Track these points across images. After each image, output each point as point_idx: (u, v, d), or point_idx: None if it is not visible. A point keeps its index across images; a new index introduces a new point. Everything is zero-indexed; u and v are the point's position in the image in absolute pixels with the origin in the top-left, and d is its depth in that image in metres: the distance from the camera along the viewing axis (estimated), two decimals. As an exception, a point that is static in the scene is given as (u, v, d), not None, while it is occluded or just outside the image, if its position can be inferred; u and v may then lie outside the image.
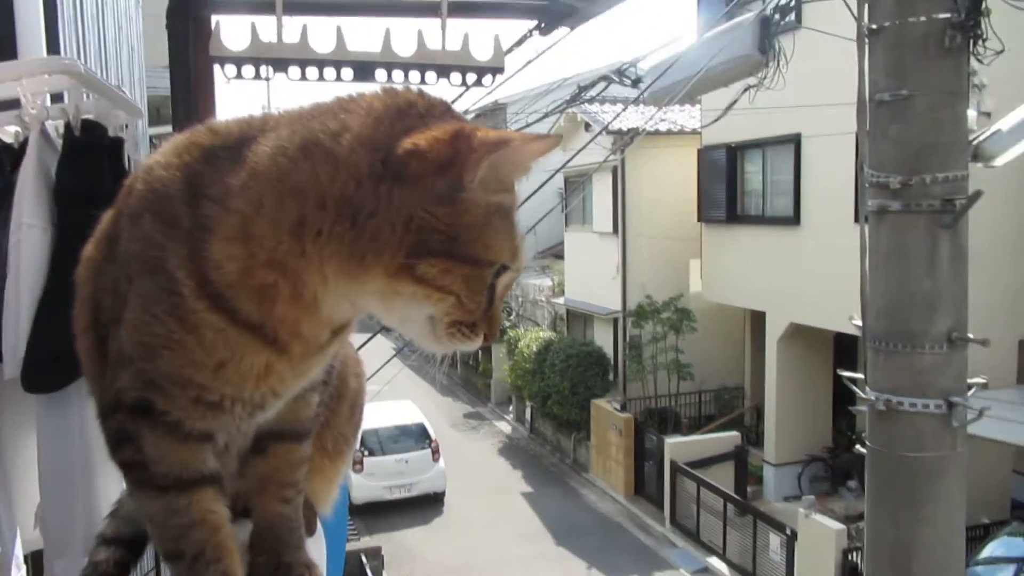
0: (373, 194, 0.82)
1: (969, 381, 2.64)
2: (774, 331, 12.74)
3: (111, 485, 1.81)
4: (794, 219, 12.14)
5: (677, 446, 12.49)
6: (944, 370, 2.60)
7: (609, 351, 15.67)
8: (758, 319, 13.72)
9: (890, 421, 2.67)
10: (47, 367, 1.74)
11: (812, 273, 11.43)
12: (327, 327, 0.92)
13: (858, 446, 2.96)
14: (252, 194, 0.84)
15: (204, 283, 0.86)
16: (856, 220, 10.11)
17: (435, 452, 13.43)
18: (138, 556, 1.23)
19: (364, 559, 8.94)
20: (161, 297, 0.87)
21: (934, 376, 2.59)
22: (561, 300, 17.64)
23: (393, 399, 13.28)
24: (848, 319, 2.88)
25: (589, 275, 16.29)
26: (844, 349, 12.70)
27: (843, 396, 13.03)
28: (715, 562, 11.17)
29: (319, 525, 1.20)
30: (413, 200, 0.82)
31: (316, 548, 1.12)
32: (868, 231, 2.78)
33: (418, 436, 13.54)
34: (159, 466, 0.91)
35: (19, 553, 1.83)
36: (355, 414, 1.23)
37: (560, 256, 18.43)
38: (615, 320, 15.64)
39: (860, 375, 2.75)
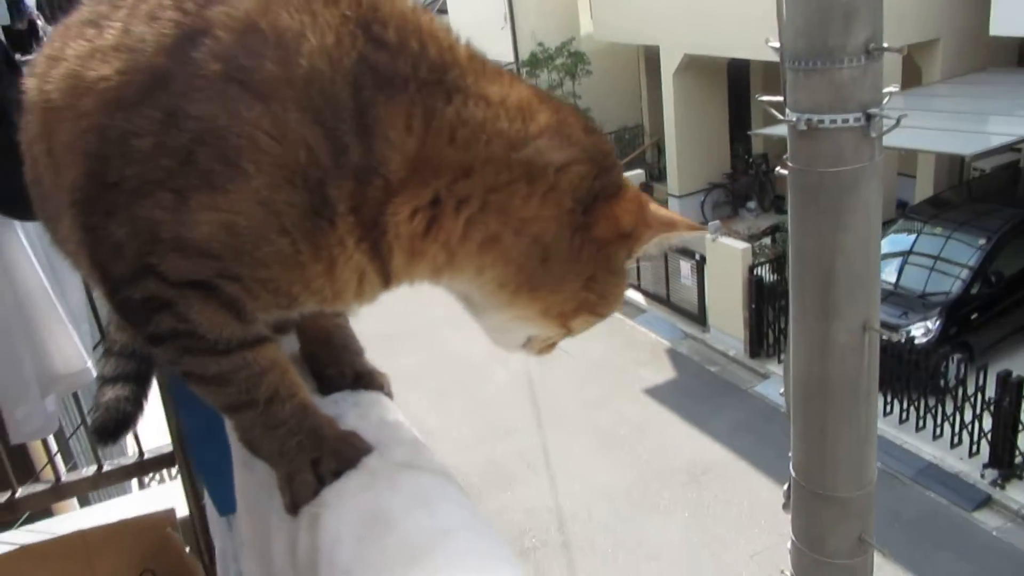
0: (567, 241, 0.83)
1: (884, 91, 2.69)
2: (669, 65, 12.69)
3: (55, 326, 1.73)
4: (683, -58, 11.71)
5: (585, 191, 12.74)
6: (862, 83, 2.62)
7: (507, 106, 15.40)
8: (652, 55, 13.60)
9: (811, 139, 2.72)
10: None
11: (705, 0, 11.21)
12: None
13: (780, 168, 3.03)
14: (462, 188, 0.79)
15: (371, 227, 0.78)
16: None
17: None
18: (146, 388, 1.19)
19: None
20: (302, 217, 0.77)
21: (852, 90, 2.62)
22: (451, 58, 16.97)
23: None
24: (766, 42, 2.84)
25: (476, 27, 15.52)
26: (737, 77, 12.81)
27: (739, 123, 13.34)
28: (631, 293, 11.87)
29: None
30: (597, 260, 0.85)
31: None
32: (783, -55, 2.67)
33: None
34: (216, 334, 0.83)
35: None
36: None
37: (443, 10, 17.50)
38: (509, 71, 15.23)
39: (779, 98, 2.76)
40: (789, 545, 3.42)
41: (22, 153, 0.94)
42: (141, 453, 2.05)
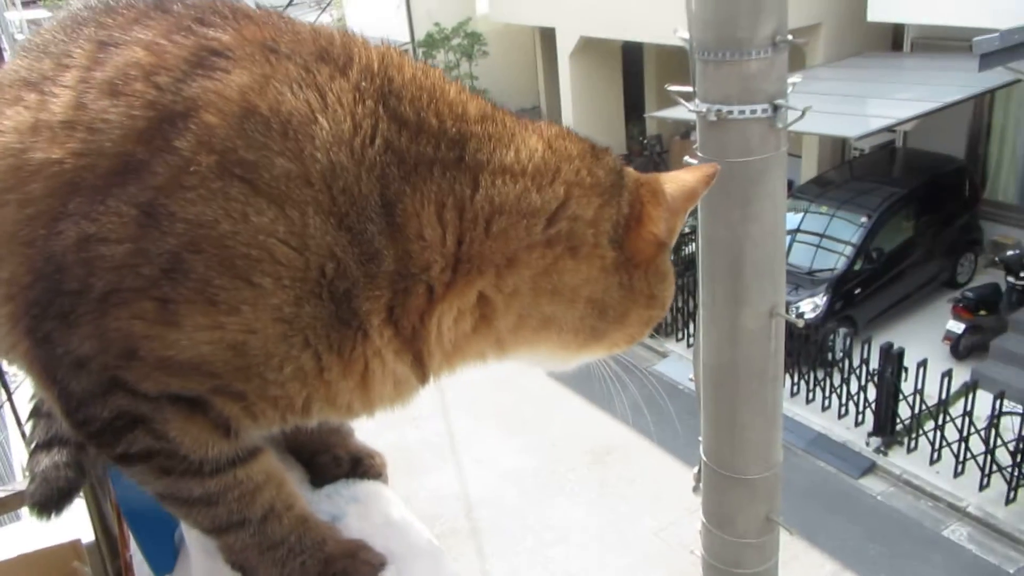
0: (617, 283, 0.78)
1: (788, 81, 2.74)
2: (565, 47, 12.76)
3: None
4: (577, -76, 11.74)
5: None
6: (769, 74, 2.67)
7: (403, 87, 15.20)
8: (548, 36, 13.63)
9: (720, 130, 2.76)
10: None
11: (599, -18, 11.30)
12: None
13: (688, 158, 3.06)
14: (508, 283, 0.72)
15: (412, 337, 0.70)
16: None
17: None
18: (86, 449, 1.06)
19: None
20: (328, 328, 0.67)
21: (760, 82, 2.66)
22: (344, 37, 16.58)
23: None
24: (674, 32, 2.86)
25: (372, 7, 15.29)
26: (631, 59, 13.00)
27: (633, 105, 13.55)
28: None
29: None
30: (648, 278, 0.80)
31: None
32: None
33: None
34: (201, 453, 0.71)
35: None
36: None
37: (336, -11, 17.06)
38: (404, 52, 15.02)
39: (688, 88, 2.78)
40: (699, 526, 3.51)
41: None
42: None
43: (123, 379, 0.68)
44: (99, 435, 0.71)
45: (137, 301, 0.65)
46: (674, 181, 0.83)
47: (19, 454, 5.64)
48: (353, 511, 0.84)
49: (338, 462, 0.91)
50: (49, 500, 1.01)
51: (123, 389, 0.68)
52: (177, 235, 0.64)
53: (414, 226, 0.68)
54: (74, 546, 1.52)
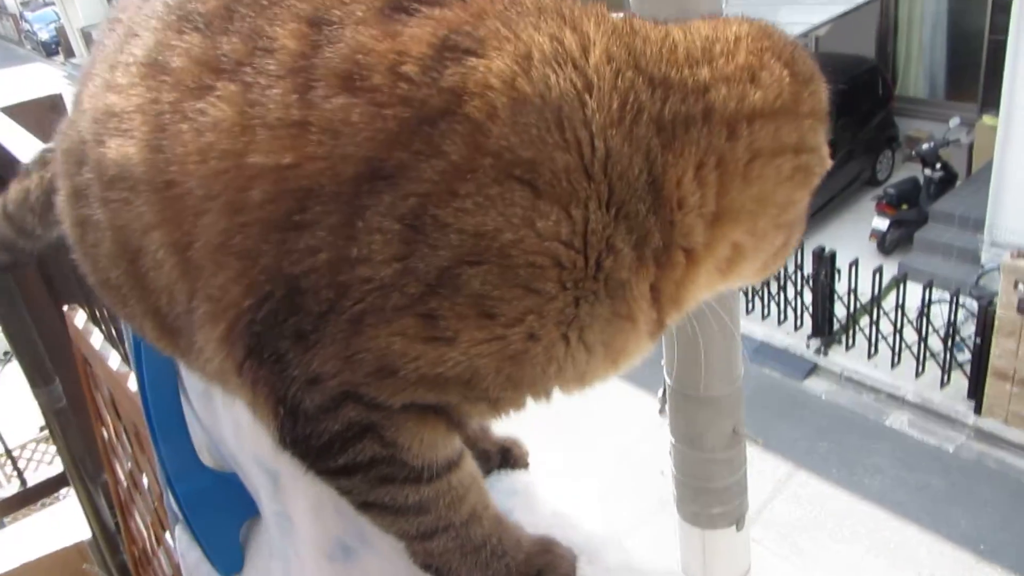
0: (803, 212, 0.74)
1: (721, -2, 2.71)
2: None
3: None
4: None
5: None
6: (704, -6, 2.62)
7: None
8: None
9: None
10: None
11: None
12: None
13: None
14: (760, 225, 0.67)
15: (666, 309, 0.65)
16: None
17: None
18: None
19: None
20: (605, 324, 0.61)
21: (698, 3, 2.62)
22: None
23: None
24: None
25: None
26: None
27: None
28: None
29: None
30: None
31: None
32: None
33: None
34: (426, 458, 0.65)
35: None
36: None
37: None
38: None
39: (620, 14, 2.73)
40: (668, 447, 3.58)
41: (99, 235, 0.70)
42: (23, 482, 1.74)
43: (363, 393, 0.61)
44: (323, 448, 0.64)
45: (399, 319, 0.58)
46: None
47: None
48: (518, 505, 0.81)
49: (487, 455, 0.87)
50: None
51: (358, 401, 0.62)
52: (452, 247, 0.57)
53: (676, 194, 0.62)
54: (79, 548, 1.45)
